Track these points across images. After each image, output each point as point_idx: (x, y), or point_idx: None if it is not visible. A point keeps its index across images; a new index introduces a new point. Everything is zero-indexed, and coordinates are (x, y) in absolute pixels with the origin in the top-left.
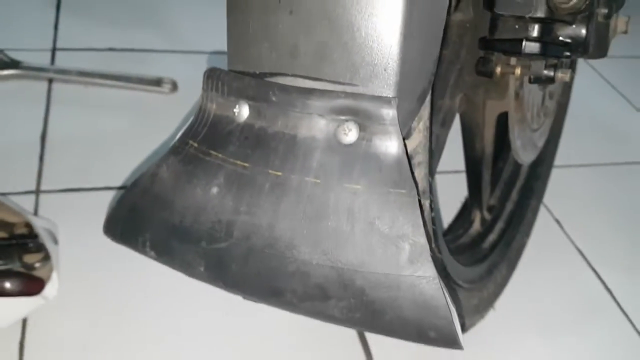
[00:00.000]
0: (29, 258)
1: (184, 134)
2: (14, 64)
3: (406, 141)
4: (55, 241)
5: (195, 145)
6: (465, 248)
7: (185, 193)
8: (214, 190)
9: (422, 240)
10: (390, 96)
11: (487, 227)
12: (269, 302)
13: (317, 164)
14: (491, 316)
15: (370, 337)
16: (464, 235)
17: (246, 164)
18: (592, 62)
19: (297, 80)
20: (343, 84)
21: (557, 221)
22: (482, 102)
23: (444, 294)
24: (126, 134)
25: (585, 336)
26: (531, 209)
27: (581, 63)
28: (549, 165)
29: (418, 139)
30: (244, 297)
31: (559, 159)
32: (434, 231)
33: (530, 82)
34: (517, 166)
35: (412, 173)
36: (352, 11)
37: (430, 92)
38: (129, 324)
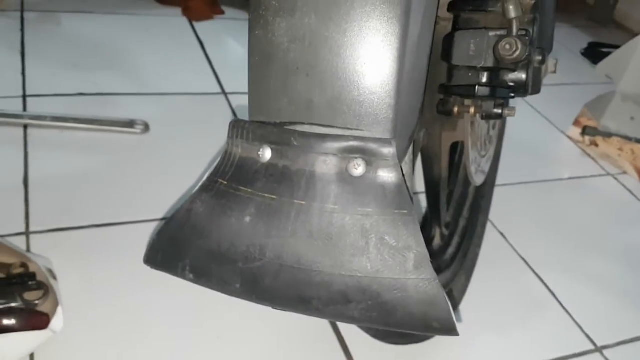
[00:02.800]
0: (29, 295)
1: (212, 174)
2: None
3: None
4: (54, 277)
5: (225, 183)
6: (432, 259)
7: (220, 223)
8: (247, 219)
9: (423, 250)
10: (390, 138)
11: (446, 242)
12: (297, 310)
13: (334, 193)
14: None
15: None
16: (430, 249)
17: (274, 196)
18: None
19: (313, 128)
20: (351, 129)
21: (501, 233)
22: (438, 134)
23: (442, 291)
24: (105, 174)
25: (532, 329)
26: (480, 223)
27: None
28: (492, 185)
29: (405, 169)
30: (274, 307)
31: (500, 178)
32: None
33: (482, 119)
34: (466, 187)
35: (411, 197)
36: (357, 73)
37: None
38: (133, 351)
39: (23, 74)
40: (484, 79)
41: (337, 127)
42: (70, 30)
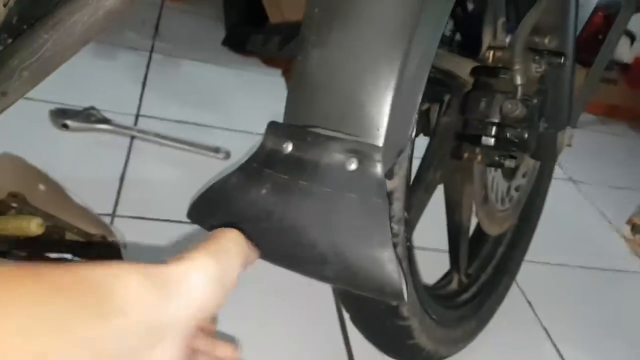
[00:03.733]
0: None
1: (249, 159)
2: (105, 121)
3: (389, 181)
4: (125, 246)
5: (255, 165)
6: (443, 298)
7: (244, 192)
8: (263, 191)
9: (387, 230)
10: (380, 146)
11: (463, 288)
12: (289, 266)
13: (331, 180)
14: None
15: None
16: (442, 289)
17: (286, 176)
18: (583, 189)
19: (326, 131)
20: (351, 135)
21: (529, 302)
22: (459, 184)
23: (398, 265)
24: (186, 183)
25: None
26: (503, 284)
27: (573, 191)
28: (523, 252)
29: (397, 182)
30: (276, 264)
31: (541, 256)
32: (409, 247)
33: (486, 165)
34: (495, 247)
35: (386, 191)
36: (363, 97)
37: (407, 153)
38: None
39: (140, 99)
40: (490, 131)
41: (341, 132)
42: (187, 73)
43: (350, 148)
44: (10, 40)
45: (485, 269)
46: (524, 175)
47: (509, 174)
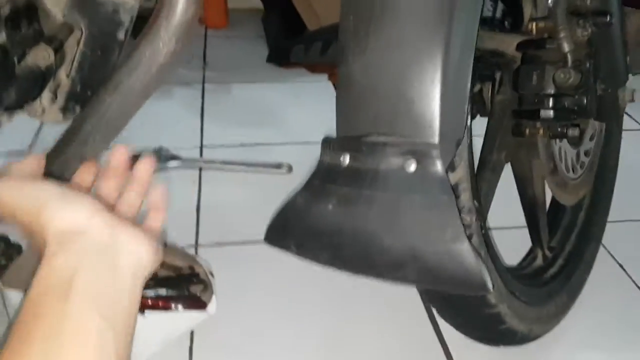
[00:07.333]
0: (193, 289)
1: (311, 177)
2: (175, 157)
3: (451, 173)
4: (212, 275)
5: (317, 182)
6: (529, 276)
7: (313, 211)
8: (330, 207)
9: (459, 224)
10: (435, 142)
11: (548, 263)
12: (368, 274)
13: (393, 185)
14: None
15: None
16: (527, 267)
17: (348, 189)
18: None
19: (380, 137)
20: (405, 136)
21: (620, 265)
22: (526, 161)
23: (476, 256)
24: (256, 203)
25: None
26: (589, 251)
27: None
28: (604, 214)
29: (461, 173)
30: (356, 274)
31: (626, 214)
32: (484, 234)
33: (550, 138)
34: (575, 214)
35: (451, 185)
36: (410, 95)
37: (466, 141)
38: (270, 330)
39: (201, 131)
40: (547, 104)
41: (396, 135)
42: (239, 96)
43: (406, 150)
44: (77, 107)
45: (568, 239)
46: (591, 139)
47: (576, 141)
